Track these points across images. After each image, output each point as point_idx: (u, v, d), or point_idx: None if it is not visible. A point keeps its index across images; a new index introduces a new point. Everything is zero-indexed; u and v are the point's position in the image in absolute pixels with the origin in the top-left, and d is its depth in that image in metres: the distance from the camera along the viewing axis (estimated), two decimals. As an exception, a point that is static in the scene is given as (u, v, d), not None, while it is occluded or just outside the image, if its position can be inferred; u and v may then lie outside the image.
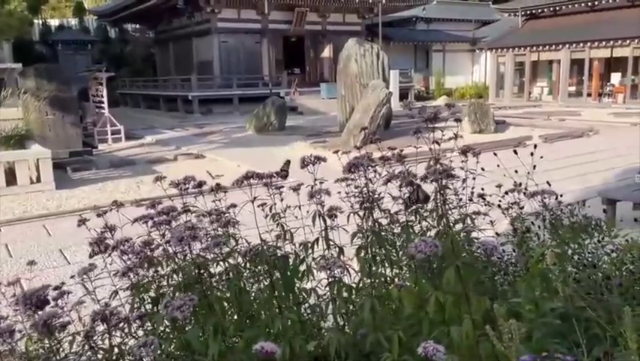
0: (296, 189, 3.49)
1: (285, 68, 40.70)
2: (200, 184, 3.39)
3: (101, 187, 14.15)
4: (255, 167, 13.01)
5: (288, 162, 3.63)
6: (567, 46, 34.66)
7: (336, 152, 3.68)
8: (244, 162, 15.94)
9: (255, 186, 3.35)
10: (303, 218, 3.39)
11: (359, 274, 3.30)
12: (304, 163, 3.31)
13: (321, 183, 3.32)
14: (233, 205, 3.45)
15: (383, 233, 3.34)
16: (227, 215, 3.36)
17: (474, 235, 3.18)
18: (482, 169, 3.45)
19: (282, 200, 3.45)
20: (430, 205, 3.27)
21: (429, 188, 3.18)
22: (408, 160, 3.56)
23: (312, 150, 16.91)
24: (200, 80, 36.04)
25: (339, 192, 3.41)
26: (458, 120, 3.43)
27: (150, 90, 41.04)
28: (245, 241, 3.23)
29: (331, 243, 3.35)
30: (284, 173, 3.51)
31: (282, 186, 3.45)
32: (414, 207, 3.30)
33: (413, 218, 3.38)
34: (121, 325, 2.88)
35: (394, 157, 3.57)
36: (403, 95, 37.33)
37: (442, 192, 3.10)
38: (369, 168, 3.33)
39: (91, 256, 3.13)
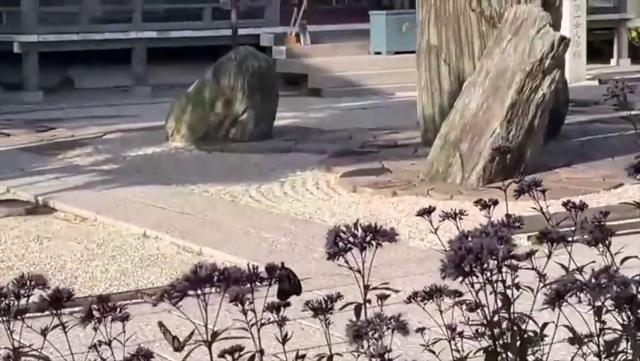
0: (315, 313, 1.46)
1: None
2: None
3: None
4: (195, 240, 6.11)
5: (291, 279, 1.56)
6: None
7: (425, 213, 1.63)
8: (166, 228, 6.58)
9: (209, 302, 1.27)
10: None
11: None
12: (335, 244, 1.29)
13: (381, 300, 1.52)
14: (144, 355, 1.37)
15: None
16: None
17: None
18: None
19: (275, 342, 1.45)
20: None
21: None
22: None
23: (348, 197, 7.56)
24: (44, 2, 14.90)
25: (427, 326, 1.63)
26: None
27: None
28: None
29: None
30: (284, 285, 1.52)
31: (289, 304, 1.54)
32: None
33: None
34: None
35: (584, 225, 1.56)
36: (597, 51, 15.82)
37: None
38: (508, 259, 1.32)
39: None
